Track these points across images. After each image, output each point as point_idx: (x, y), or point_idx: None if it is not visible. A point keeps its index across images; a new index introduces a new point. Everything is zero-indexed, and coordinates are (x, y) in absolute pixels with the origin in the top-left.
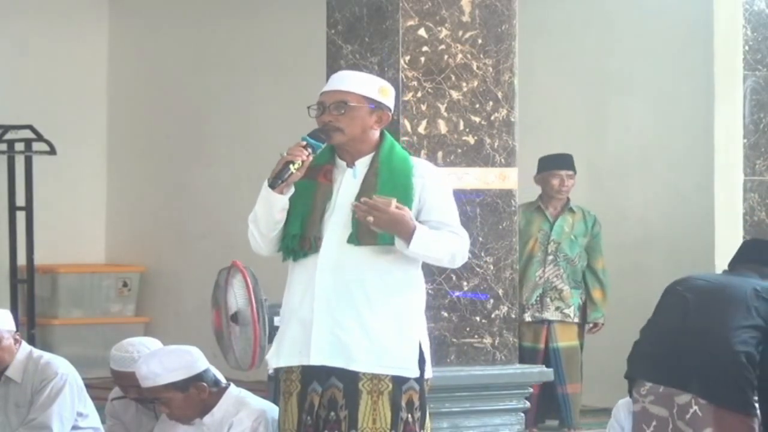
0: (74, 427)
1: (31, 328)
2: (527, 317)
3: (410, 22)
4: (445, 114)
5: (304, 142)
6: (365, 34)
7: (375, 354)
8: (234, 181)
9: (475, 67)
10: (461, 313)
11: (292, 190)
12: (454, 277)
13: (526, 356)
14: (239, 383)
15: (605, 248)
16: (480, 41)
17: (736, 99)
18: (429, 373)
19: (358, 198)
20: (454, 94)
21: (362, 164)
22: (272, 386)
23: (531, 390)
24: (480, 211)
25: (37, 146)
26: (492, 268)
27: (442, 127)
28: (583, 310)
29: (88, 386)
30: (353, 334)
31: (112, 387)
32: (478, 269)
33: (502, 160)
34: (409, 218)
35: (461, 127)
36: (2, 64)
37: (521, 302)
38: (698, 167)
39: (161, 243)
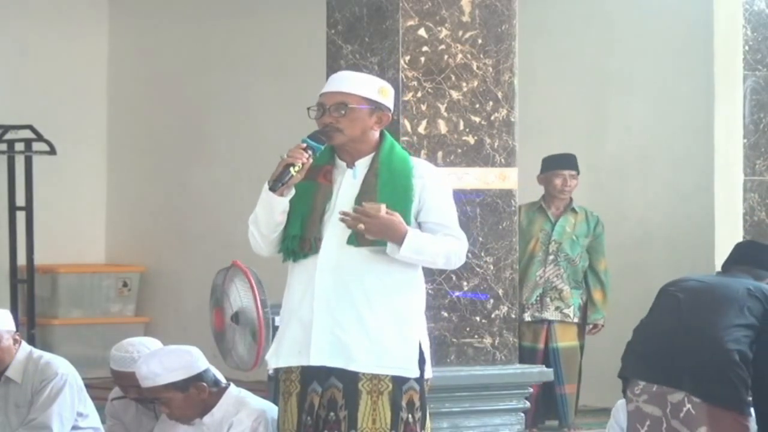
0: (74, 427)
1: (31, 328)
2: (527, 317)
3: (410, 22)
4: (445, 114)
5: (305, 144)
6: (365, 34)
7: (375, 354)
8: (234, 181)
9: (475, 67)
10: (461, 313)
11: (293, 192)
12: (454, 277)
13: (525, 356)
14: (239, 383)
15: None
16: (480, 41)
17: (736, 99)
18: (429, 373)
19: (358, 199)
20: (454, 94)
21: (362, 165)
22: (272, 386)
23: (531, 390)
24: (480, 211)
25: (37, 146)
26: (492, 268)
27: (442, 127)
28: (583, 310)
29: (88, 386)
30: (353, 334)
31: (112, 387)
32: (478, 269)
33: (502, 160)
34: (399, 223)
35: (461, 127)
36: (2, 64)
37: (521, 302)
38: (698, 167)
39: (161, 243)
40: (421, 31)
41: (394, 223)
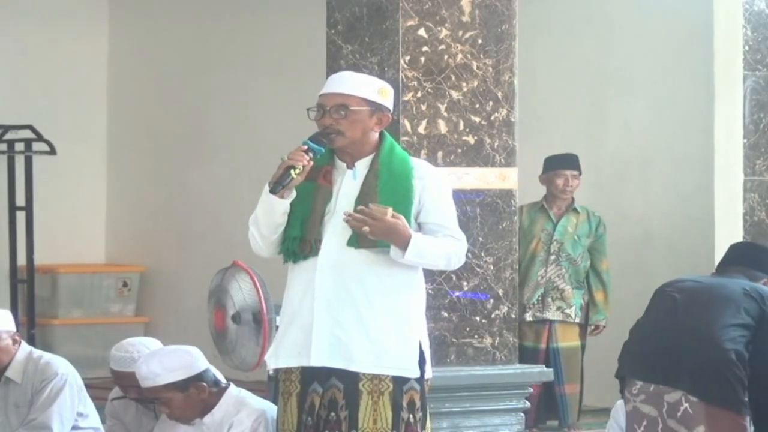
0: (74, 427)
1: (31, 328)
2: (528, 317)
3: (410, 22)
4: (445, 114)
5: (305, 146)
6: (365, 34)
7: (375, 354)
8: (234, 181)
9: (475, 67)
10: (461, 313)
11: (294, 194)
12: (454, 277)
13: (527, 356)
14: (239, 383)
15: None
16: (480, 41)
17: (736, 99)
18: (429, 373)
19: (358, 200)
20: (454, 94)
21: (362, 165)
22: (272, 386)
23: (531, 390)
24: (480, 211)
25: (37, 146)
26: (492, 268)
27: (442, 127)
28: (585, 310)
29: (88, 386)
30: (353, 335)
31: (112, 387)
32: (478, 269)
33: (502, 160)
34: (403, 226)
35: (461, 127)
36: (2, 64)
37: (522, 302)
38: (698, 167)
39: (161, 243)
40: (421, 31)
41: (399, 227)
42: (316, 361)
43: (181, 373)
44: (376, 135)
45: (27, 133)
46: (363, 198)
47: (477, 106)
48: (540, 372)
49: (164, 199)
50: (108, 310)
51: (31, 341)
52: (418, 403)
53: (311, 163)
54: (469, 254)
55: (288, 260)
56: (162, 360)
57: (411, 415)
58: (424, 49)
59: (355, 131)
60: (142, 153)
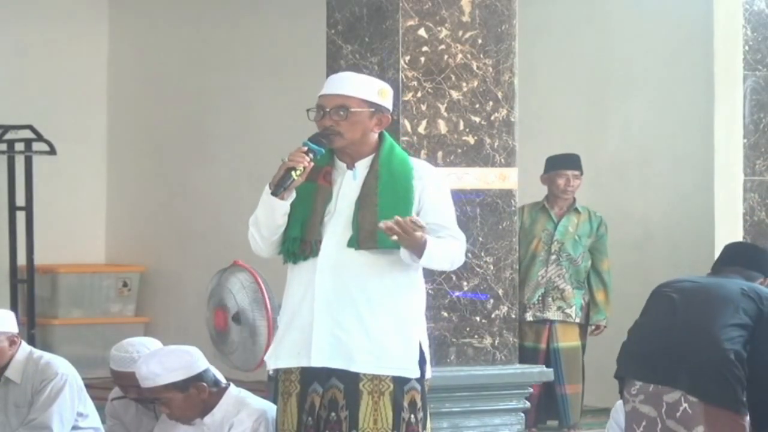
0: (74, 427)
1: (31, 328)
2: (529, 317)
3: (410, 22)
4: (445, 114)
5: (306, 148)
6: (365, 34)
7: (375, 355)
8: (234, 181)
9: (475, 67)
10: (461, 313)
11: (294, 195)
12: (454, 277)
13: (527, 356)
14: (239, 383)
15: None
16: (480, 41)
17: (736, 99)
18: (428, 373)
19: (358, 201)
20: (454, 94)
21: (362, 166)
22: (272, 386)
23: (531, 390)
24: (480, 211)
25: (37, 146)
26: (492, 268)
27: (442, 127)
28: (585, 310)
29: (88, 386)
30: (354, 335)
31: (112, 387)
32: (478, 269)
33: (502, 160)
34: (422, 237)
35: (461, 127)
36: (2, 64)
37: (523, 301)
38: (698, 167)
39: (161, 243)
40: (421, 31)
41: (421, 240)
42: (316, 361)
43: (181, 373)
44: (376, 135)
45: (27, 133)
46: (363, 199)
47: (477, 106)
48: (540, 372)
49: (164, 199)
50: (108, 310)
51: (31, 341)
52: (419, 403)
53: (312, 164)
54: (469, 254)
55: (288, 261)
56: (162, 360)
57: (412, 415)
58: (424, 49)
59: (355, 132)
60: (142, 153)
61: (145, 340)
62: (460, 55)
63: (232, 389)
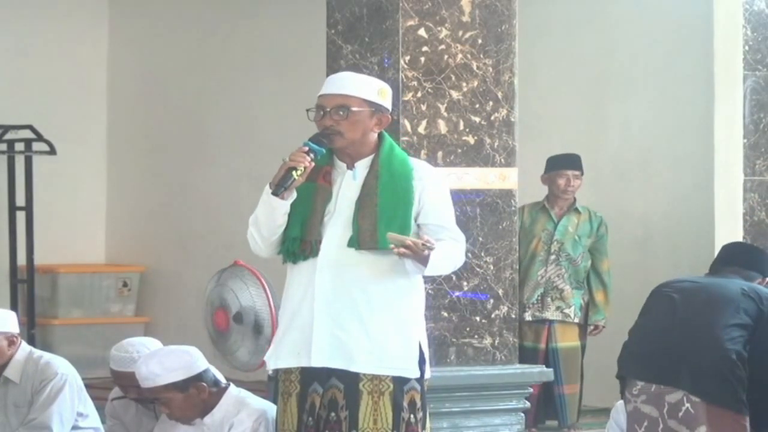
0: (74, 427)
1: (31, 328)
2: (528, 316)
3: (410, 22)
4: (445, 114)
5: (306, 147)
6: (365, 34)
7: (375, 355)
8: (234, 181)
9: (475, 67)
10: (461, 313)
11: (294, 194)
12: (454, 277)
13: (527, 356)
14: (239, 383)
15: None
16: (480, 41)
17: (736, 99)
18: (428, 373)
19: (358, 201)
20: (454, 94)
21: (362, 166)
22: (272, 386)
23: (531, 390)
24: (480, 211)
25: (37, 146)
26: (492, 268)
27: (442, 127)
28: (585, 310)
29: (88, 386)
30: (354, 335)
31: (112, 387)
32: (478, 269)
33: (502, 160)
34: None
35: (461, 127)
36: (2, 64)
37: (522, 301)
38: (698, 167)
39: (161, 243)
40: (421, 31)
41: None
42: (317, 361)
43: (181, 373)
44: (376, 136)
45: (27, 133)
46: (363, 199)
47: (477, 106)
48: (540, 372)
49: (164, 199)
50: (108, 310)
51: (31, 341)
52: (418, 403)
53: (312, 164)
54: (469, 254)
55: (287, 260)
56: (162, 360)
57: (412, 415)
58: (424, 49)
59: (355, 132)
60: (142, 153)
61: (145, 340)
62: (460, 55)
63: (232, 389)
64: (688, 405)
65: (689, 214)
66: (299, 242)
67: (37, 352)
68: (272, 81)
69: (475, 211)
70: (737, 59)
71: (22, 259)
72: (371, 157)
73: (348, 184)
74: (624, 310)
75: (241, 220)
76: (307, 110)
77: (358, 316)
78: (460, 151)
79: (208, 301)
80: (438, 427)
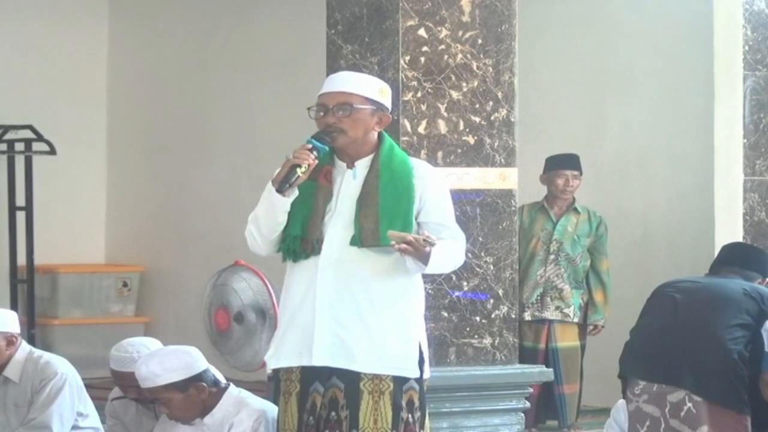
0: (74, 427)
1: (31, 328)
2: (527, 316)
3: (410, 22)
4: (445, 114)
5: (310, 145)
6: (365, 34)
7: (376, 354)
8: (234, 181)
9: (475, 67)
10: (461, 313)
11: (296, 192)
12: (454, 277)
13: (527, 356)
14: (239, 383)
15: None
16: (480, 41)
17: (736, 99)
18: (427, 373)
19: (359, 200)
20: (454, 94)
21: (362, 165)
22: (272, 386)
23: (531, 390)
24: (480, 211)
25: (37, 146)
26: (492, 268)
27: (442, 127)
28: (584, 310)
29: (88, 386)
30: (355, 335)
31: (112, 387)
32: (478, 269)
33: (502, 160)
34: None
35: (461, 127)
36: (2, 64)
37: (521, 301)
38: (698, 167)
39: (161, 243)
40: (421, 31)
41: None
42: (318, 360)
43: (181, 373)
44: (376, 135)
45: (27, 133)
46: (364, 197)
47: (477, 106)
48: (540, 372)
49: (164, 199)
50: (108, 310)
51: (31, 341)
52: (416, 403)
53: (316, 161)
54: (469, 254)
55: (288, 259)
56: (161, 360)
57: (410, 415)
58: (424, 49)
59: (357, 130)
60: (142, 153)
61: (145, 340)
62: (460, 55)
63: (232, 389)
64: (690, 404)
65: (689, 214)
66: (300, 241)
67: (37, 352)
68: (272, 81)
69: (475, 211)
70: (737, 59)
71: (22, 259)
72: (371, 156)
73: (348, 183)
74: (623, 310)
75: (241, 220)
76: (308, 109)
77: (359, 315)
78: (460, 151)
79: (208, 302)
80: (438, 427)
